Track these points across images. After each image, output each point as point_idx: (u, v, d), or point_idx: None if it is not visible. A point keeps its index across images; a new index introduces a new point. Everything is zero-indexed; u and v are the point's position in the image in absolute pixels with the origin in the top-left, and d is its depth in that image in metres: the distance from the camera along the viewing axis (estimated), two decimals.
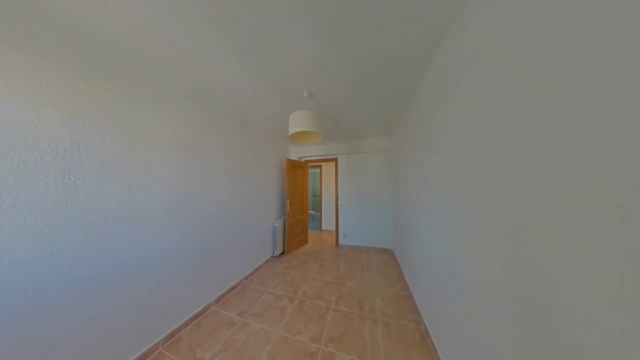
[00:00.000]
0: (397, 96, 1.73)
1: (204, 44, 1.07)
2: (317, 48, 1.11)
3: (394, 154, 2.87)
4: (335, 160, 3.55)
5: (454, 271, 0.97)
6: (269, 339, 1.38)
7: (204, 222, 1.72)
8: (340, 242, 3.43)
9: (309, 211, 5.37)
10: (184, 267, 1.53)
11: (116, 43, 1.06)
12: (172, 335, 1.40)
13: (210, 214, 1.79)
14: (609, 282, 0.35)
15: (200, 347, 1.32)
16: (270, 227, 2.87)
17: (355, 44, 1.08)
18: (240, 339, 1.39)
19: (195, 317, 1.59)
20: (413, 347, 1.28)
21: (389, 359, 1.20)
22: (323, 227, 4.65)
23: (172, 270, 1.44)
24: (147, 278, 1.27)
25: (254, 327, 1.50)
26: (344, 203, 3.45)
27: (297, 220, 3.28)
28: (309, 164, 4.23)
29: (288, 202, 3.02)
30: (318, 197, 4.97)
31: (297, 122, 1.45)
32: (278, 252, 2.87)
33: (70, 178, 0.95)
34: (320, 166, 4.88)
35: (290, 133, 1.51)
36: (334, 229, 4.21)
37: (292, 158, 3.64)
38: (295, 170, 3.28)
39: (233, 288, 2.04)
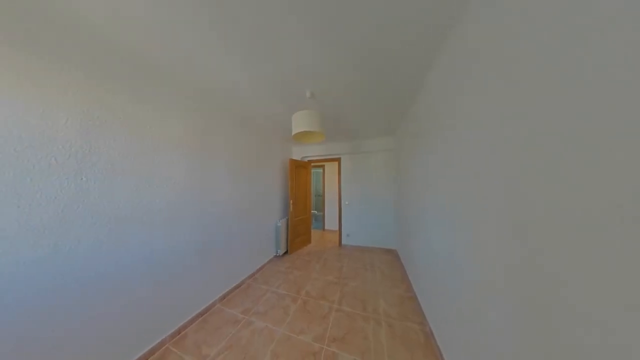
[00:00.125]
0: (400, 96, 1.73)
1: (206, 45, 1.08)
2: (319, 48, 1.12)
3: (397, 153, 2.86)
4: (338, 160, 3.55)
5: (458, 272, 0.96)
6: (272, 337, 1.40)
7: (208, 222, 1.75)
8: (344, 242, 3.43)
9: (312, 211, 5.38)
10: (189, 265, 1.56)
11: (123, 46, 1.08)
12: (178, 332, 1.44)
13: (215, 214, 1.83)
14: (611, 283, 0.35)
15: (205, 344, 1.35)
16: (274, 226, 2.89)
17: (356, 44, 1.08)
18: (244, 336, 1.42)
19: (200, 314, 1.62)
20: (417, 348, 1.27)
21: None
22: (326, 227, 4.66)
23: (178, 269, 1.47)
24: (154, 276, 1.31)
25: (257, 326, 1.52)
26: (347, 203, 3.45)
27: (300, 220, 3.30)
28: (312, 164, 4.25)
29: (291, 201, 3.05)
30: (321, 197, 4.98)
31: (300, 122, 1.46)
32: (281, 251, 2.89)
33: (82, 179, 0.99)
34: (323, 166, 4.89)
35: (293, 133, 1.52)
36: (337, 228, 4.21)
37: (295, 158, 3.67)
38: (299, 170, 3.30)
39: (237, 287, 2.07)
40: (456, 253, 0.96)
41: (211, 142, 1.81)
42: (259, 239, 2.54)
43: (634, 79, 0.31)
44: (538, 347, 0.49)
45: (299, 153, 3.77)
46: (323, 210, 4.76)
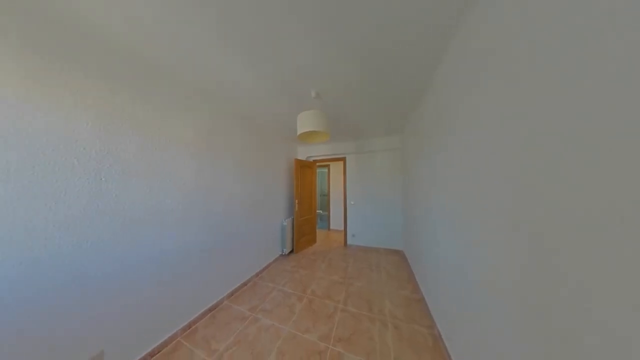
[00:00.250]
0: (406, 95, 1.72)
1: (211, 46, 1.10)
2: (320, 48, 1.13)
3: (404, 153, 2.82)
4: (343, 159, 3.55)
5: (469, 274, 0.93)
6: (278, 335, 1.43)
7: (216, 221, 1.81)
8: (349, 242, 3.43)
9: (317, 211, 5.41)
10: (198, 262, 1.62)
11: (136, 52, 1.15)
12: (189, 326, 1.49)
13: (222, 213, 1.88)
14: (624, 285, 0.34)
15: (214, 339, 1.40)
16: (279, 226, 2.94)
17: (357, 43, 1.09)
18: (251, 333, 1.45)
19: (209, 310, 1.68)
20: (425, 351, 1.24)
21: None
22: (331, 227, 4.67)
23: (188, 266, 1.53)
24: (166, 272, 1.37)
25: (264, 323, 1.55)
26: (352, 203, 3.44)
27: (306, 220, 3.33)
28: (317, 164, 4.27)
29: (296, 201, 3.08)
30: (326, 197, 4.99)
31: (305, 122, 1.48)
32: (287, 250, 2.93)
33: (101, 179, 1.05)
34: (328, 166, 4.90)
35: (298, 133, 1.54)
36: (342, 228, 4.21)
37: (300, 158, 3.70)
38: (304, 170, 3.33)
39: (244, 284, 2.12)
40: (469, 255, 0.94)
41: (218, 142, 1.86)
42: (265, 238, 2.58)
43: (634, 79, 0.30)
44: (554, 355, 0.48)
45: (304, 153, 3.80)
46: (328, 210, 4.77)
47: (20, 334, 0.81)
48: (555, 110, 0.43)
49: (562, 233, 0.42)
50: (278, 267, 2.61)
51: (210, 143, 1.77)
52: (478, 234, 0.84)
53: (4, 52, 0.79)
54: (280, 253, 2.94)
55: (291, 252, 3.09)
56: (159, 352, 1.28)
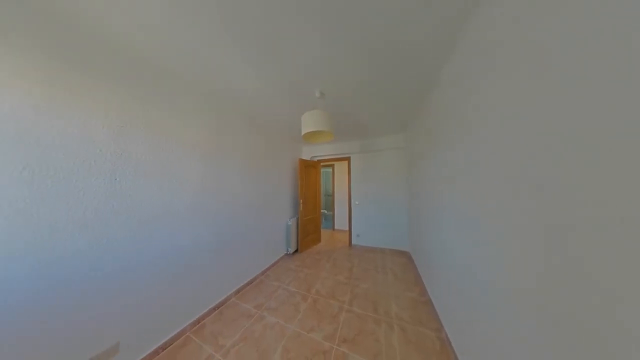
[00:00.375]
0: (412, 93, 1.69)
1: (216, 46, 1.11)
2: (328, 47, 1.12)
3: (409, 152, 2.77)
4: (348, 159, 3.53)
5: (480, 278, 0.90)
6: (283, 333, 1.45)
7: (222, 220, 1.84)
8: (354, 242, 3.42)
9: (322, 210, 5.41)
10: (206, 260, 1.66)
11: (147, 57, 1.18)
12: (197, 322, 1.54)
13: (228, 213, 1.92)
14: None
15: (221, 335, 1.44)
16: (284, 225, 2.96)
17: (365, 41, 1.07)
18: (257, 330, 1.48)
19: (217, 306, 1.72)
20: (432, 355, 1.22)
21: None
22: (336, 227, 4.67)
23: (197, 262, 1.58)
24: (177, 269, 1.42)
25: (269, 321, 1.58)
26: (357, 202, 3.42)
27: (310, 219, 3.34)
28: (322, 164, 4.26)
29: (301, 201, 3.09)
30: (331, 197, 4.99)
31: (309, 122, 1.48)
32: (292, 249, 2.96)
33: (116, 179, 1.09)
34: (332, 165, 4.89)
35: (302, 133, 1.54)
36: (347, 228, 4.21)
37: (304, 158, 3.71)
38: (308, 169, 3.34)
39: (250, 282, 2.16)
40: (479, 257, 0.91)
41: (225, 143, 1.89)
42: (271, 237, 2.62)
43: (634, 79, 0.28)
44: None
45: (308, 153, 3.81)
46: (333, 209, 4.77)
47: (44, 325, 0.86)
48: (557, 110, 0.41)
49: (584, 233, 0.40)
50: (283, 265, 2.64)
51: (217, 144, 1.80)
52: (488, 233, 0.82)
53: (32, 62, 0.84)
54: (285, 252, 2.97)
55: (296, 251, 3.11)
56: (170, 345, 1.33)
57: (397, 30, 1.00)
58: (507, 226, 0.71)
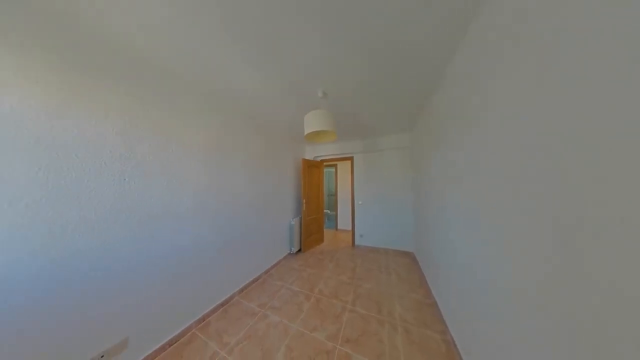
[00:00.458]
0: (416, 92, 1.67)
1: (219, 46, 1.11)
2: (330, 47, 1.12)
3: (413, 151, 2.75)
4: (351, 159, 3.53)
5: (486, 279, 0.89)
6: (286, 332, 1.46)
7: (226, 220, 1.87)
8: (357, 242, 3.41)
9: (325, 210, 5.42)
10: (211, 259, 1.69)
11: (146, 57, 1.19)
12: (202, 319, 1.57)
13: (232, 212, 1.94)
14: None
15: (226, 333, 1.46)
16: (288, 225, 2.98)
17: (367, 40, 1.07)
18: (261, 329, 1.50)
19: (222, 304, 1.75)
20: (438, 357, 1.21)
21: None
22: (339, 227, 4.67)
23: (202, 262, 1.61)
24: (182, 267, 1.45)
25: (273, 320, 1.60)
26: (360, 202, 3.41)
27: (313, 219, 3.35)
28: (325, 163, 4.27)
29: (304, 201, 3.11)
30: (334, 197, 4.99)
31: (312, 122, 1.48)
32: (295, 249, 2.97)
33: (125, 179, 1.13)
34: (335, 165, 4.89)
35: (305, 133, 1.55)
36: (350, 228, 4.19)
37: (307, 158, 3.72)
38: (311, 169, 3.35)
39: (254, 281, 2.18)
40: (487, 259, 0.90)
41: (227, 144, 1.91)
42: (274, 237, 2.64)
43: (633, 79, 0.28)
44: None
45: (311, 153, 3.82)
46: (336, 209, 4.77)
47: (60, 317, 0.91)
48: (555, 110, 0.40)
49: (584, 234, 0.40)
50: (286, 265, 2.66)
51: (218, 144, 1.81)
52: (506, 237, 0.81)
53: (48, 68, 0.87)
54: (289, 251, 2.98)
55: (299, 251, 3.13)
56: (176, 342, 1.36)
57: (397, 30, 1.00)
58: (507, 226, 0.71)
